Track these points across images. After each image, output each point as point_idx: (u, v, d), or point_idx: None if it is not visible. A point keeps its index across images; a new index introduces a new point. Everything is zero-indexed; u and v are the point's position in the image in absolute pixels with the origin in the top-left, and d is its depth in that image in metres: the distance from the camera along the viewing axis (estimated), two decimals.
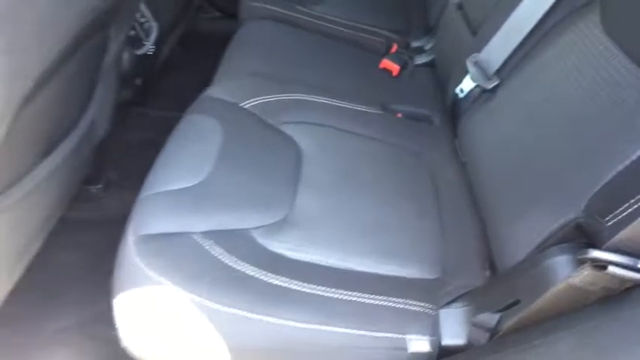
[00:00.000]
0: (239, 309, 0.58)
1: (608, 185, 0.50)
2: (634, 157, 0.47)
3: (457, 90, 0.90)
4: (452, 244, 0.74)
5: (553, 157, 0.62)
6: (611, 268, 0.41)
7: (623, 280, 0.41)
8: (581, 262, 0.45)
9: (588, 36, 0.64)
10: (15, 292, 0.81)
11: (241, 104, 0.89)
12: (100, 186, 1.18)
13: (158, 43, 1.18)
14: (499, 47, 0.81)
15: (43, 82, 0.62)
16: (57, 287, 1.00)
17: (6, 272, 0.78)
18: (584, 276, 0.43)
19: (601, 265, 0.42)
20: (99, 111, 0.99)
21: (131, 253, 0.62)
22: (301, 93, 0.96)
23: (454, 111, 0.93)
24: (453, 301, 0.66)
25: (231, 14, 1.39)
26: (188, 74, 1.25)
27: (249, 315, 0.58)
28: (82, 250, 1.07)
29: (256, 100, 0.91)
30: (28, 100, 0.60)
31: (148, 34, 1.14)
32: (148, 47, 1.13)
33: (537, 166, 0.64)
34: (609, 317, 0.40)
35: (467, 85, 0.87)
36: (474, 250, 0.74)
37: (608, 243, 0.42)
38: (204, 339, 0.57)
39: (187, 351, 0.59)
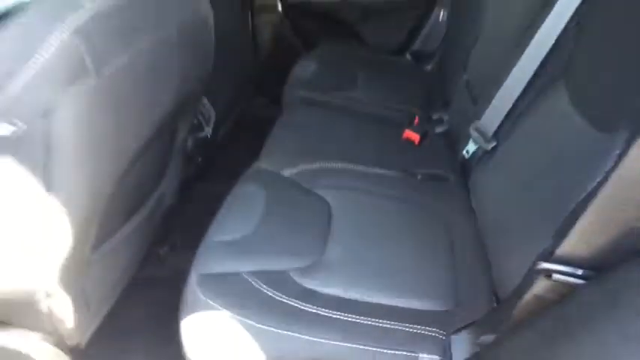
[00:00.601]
0: (279, 329, 0.73)
1: (566, 220, 0.62)
2: (579, 200, 0.60)
3: (464, 152, 1.05)
4: (462, 282, 0.85)
5: (531, 203, 0.75)
6: (555, 276, 0.52)
7: (567, 285, 0.53)
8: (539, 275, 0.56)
9: (557, 104, 0.79)
10: (90, 341, 0.97)
11: (282, 173, 1.09)
12: (166, 248, 1.38)
13: (216, 127, 1.43)
14: (493, 115, 0.97)
15: (133, 162, 0.84)
16: (126, 337, 1.16)
17: (91, 320, 0.96)
18: (540, 285, 0.55)
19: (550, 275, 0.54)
20: (168, 185, 1.21)
21: (194, 287, 0.79)
22: (333, 162, 1.14)
23: (464, 170, 1.08)
24: (462, 329, 0.77)
25: (277, 101, 1.63)
26: (240, 152, 1.47)
27: (287, 333, 0.72)
28: (148, 304, 1.24)
29: (295, 169, 1.10)
30: (123, 176, 0.81)
31: (207, 120, 1.38)
32: (208, 132, 1.38)
33: (520, 212, 0.77)
34: (557, 315, 0.51)
35: (471, 147, 1.02)
36: (481, 286, 0.85)
37: (554, 256, 0.54)
38: (251, 353, 0.72)
39: None
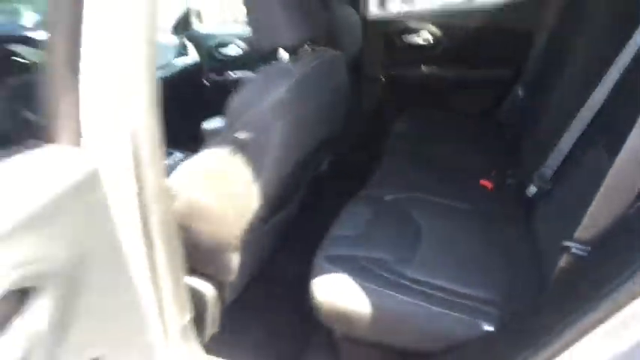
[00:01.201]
0: (381, 289, 1.06)
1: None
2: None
3: (528, 193, 1.35)
4: (516, 280, 1.14)
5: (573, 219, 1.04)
6: (573, 250, 0.82)
7: (579, 258, 0.81)
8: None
9: (595, 153, 1.09)
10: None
11: (384, 198, 1.45)
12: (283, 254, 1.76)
13: (329, 168, 1.84)
14: (551, 166, 1.27)
15: (290, 173, 1.25)
16: (242, 314, 1.52)
17: (238, 286, 1.34)
18: (564, 259, 0.84)
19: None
20: (295, 204, 1.61)
21: (322, 261, 1.15)
22: (422, 194, 1.49)
23: (528, 207, 1.37)
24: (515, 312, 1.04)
25: (375, 152, 2.02)
26: (344, 190, 1.85)
27: (387, 292, 1.05)
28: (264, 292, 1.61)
29: (394, 196, 1.46)
30: (285, 179, 1.22)
31: (324, 160, 1.80)
32: (324, 168, 1.79)
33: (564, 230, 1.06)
34: (570, 279, 0.79)
35: (533, 189, 1.33)
36: (530, 283, 1.12)
37: (573, 238, 0.84)
38: (361, 305, 1.05)
39: (350, 313, 1.07)
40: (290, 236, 1.74)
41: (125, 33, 0.68)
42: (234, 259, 1.18)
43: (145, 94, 0.75)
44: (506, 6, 2.34)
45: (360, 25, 2.20)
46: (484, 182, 1.66)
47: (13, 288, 0.51)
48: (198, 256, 1.15)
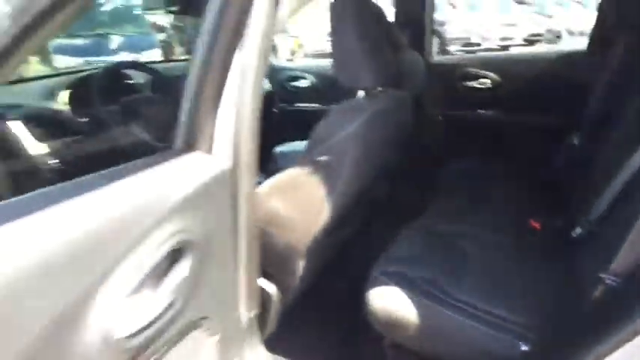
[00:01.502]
0: (431, 303, 1.19)
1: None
2: None
3: (574, 234, 1.45)
4: (554, 307, 1.23)
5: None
6: (607, 282, 0.92)
7: (611, 288, 0.92)
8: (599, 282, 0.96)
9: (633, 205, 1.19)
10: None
11: (437, 228, 1.59)
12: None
13: (390, 196, 2.00)
14: (596, 211, 1.37)
15: (355, 195, 1.43)
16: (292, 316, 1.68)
17: (294, 292, 1.50)
18: (600, 289, 0.95)
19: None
20: (351, 228, 1.78)
21: (378, 274, 1.30)
22: (472, 227, 1.61)
23: (572, 245, 1.46)
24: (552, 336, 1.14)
25: (429, 189, 2.16)
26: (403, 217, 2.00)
27: (435, 306, 1.18)
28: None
29: (444, 227, 1.59)
30: (354, 197, 1.40)
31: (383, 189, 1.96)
32: (381, 196, 1.95)
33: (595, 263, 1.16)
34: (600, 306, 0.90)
35: (579, 230, 1.42)
36: (567, 310, 1.21)
37: (608, 271, 0.94)
38: (410, 315, 1.19)
39: (400, 321, 1.20)
40: (345, 253, 1.90)
41: (246, 72, 0.89)
42: (300, 265, 1.35)
43: (251, 116, 0.95)
44: (565, 55, 2.46)
45: (424, 69, 2.38)
46: (533, 223, 1.75)
47: (173, 248, 0.71)
48: (270, 258, 1.32)
